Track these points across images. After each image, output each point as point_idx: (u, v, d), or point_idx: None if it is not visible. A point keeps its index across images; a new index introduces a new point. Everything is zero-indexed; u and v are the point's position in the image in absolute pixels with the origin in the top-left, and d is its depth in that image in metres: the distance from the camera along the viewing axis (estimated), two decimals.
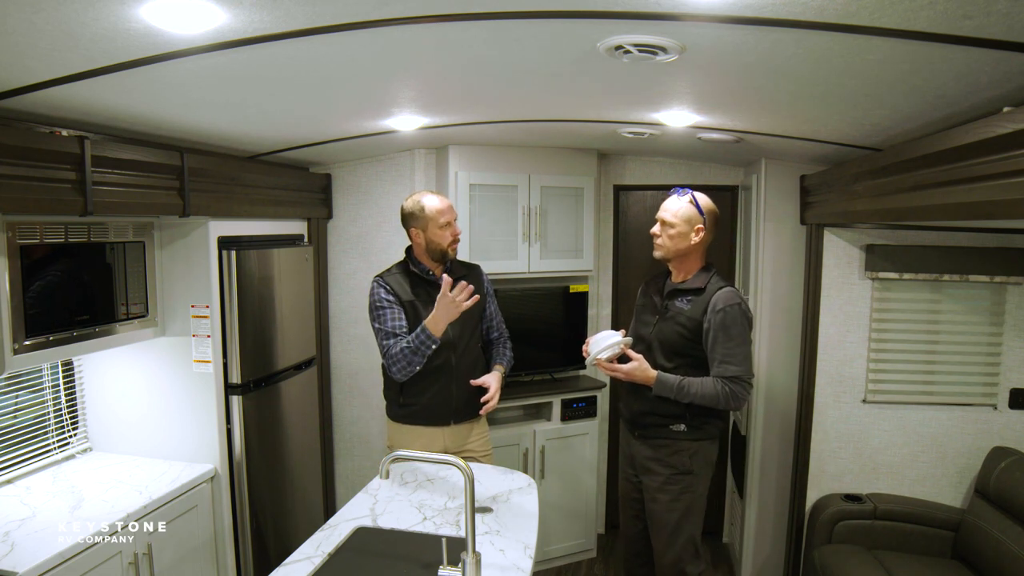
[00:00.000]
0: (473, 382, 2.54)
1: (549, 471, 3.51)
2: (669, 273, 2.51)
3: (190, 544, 2.49)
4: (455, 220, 2.54)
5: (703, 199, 2.39)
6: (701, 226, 2.36)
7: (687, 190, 2.40)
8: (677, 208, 2.36)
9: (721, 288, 2.34)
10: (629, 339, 2.40)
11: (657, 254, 2.44)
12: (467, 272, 2.64)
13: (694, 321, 2.33)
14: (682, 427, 2.37)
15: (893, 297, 3.04)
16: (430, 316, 2.37)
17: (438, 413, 2.54)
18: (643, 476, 2.47)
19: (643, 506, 2.53)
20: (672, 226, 2.36)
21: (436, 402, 2.53)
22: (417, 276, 2.54)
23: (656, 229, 2.42)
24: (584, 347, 2.44)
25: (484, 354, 2.73)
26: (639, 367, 2.35)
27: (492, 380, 2.56)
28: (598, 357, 2.36)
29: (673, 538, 2.40)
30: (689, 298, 2.38)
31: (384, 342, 2.46)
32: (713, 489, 2.61)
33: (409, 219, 2.53)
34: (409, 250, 2.61)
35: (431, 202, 2.50)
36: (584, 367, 3.85)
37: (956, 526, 2.83)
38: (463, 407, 2.56)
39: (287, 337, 3.14)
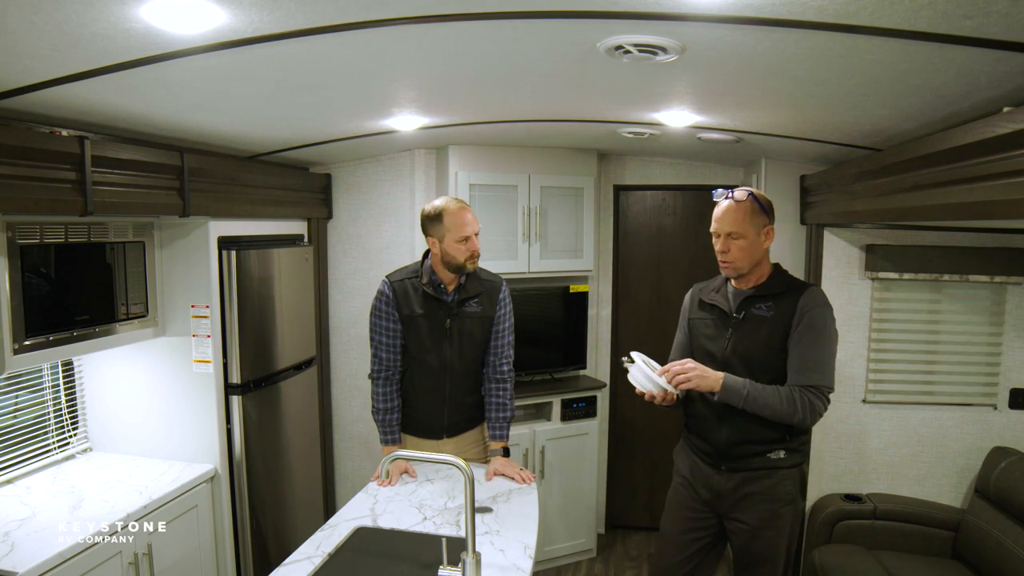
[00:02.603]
0: (485, 480, 2.36)
1: (549, 471, 3.51)
2: (725, 278, 2.18)
3: (190, 544, 2.49)
4: (476, 235, 2.34)
5: (762, 196, 2.07)
6: (770, 226, 2.05)
7: (743, 189, 2.06)
8: (739, 215, 2.02)
9: (808, 287, 2.07)
10: (641, 354, 2.11)
11: (729, 272, 2.09)
12: (480, 291, 2.43)
13: (783, 326, 2.01)
14: (782, 454, 2.04)
15: (893, 297, 3.04)
16: (386, 452, 2.41)
17: (431, 428, 2.51)
18: (738, 513, 2.10)
19: (704, 544, 2.20)
20: (742, 236, 2.01)
21: (428, 418, 2.50)
22: (427, 293, 2.39)
23: (720, 245, 2.06)
24: (642, 393, 2.07)
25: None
26: (698, 366, 2.01)
27: (506, 470, 2.40)
28: (668, 387, 2.00)
29: (776, 570, 2.09)
30: (769, 303, 2.05)
31: (372, 359, 2.47)
32: None
33: (427, 225, 2.36)
34: (427, 255, 2.44)
35: (451, 214, 2.31)
36: (584, 367, 3.85)
37: (956, 526, 2.83)
38: (456, 424, 2.53)
39: (287, 337, 3.14)
